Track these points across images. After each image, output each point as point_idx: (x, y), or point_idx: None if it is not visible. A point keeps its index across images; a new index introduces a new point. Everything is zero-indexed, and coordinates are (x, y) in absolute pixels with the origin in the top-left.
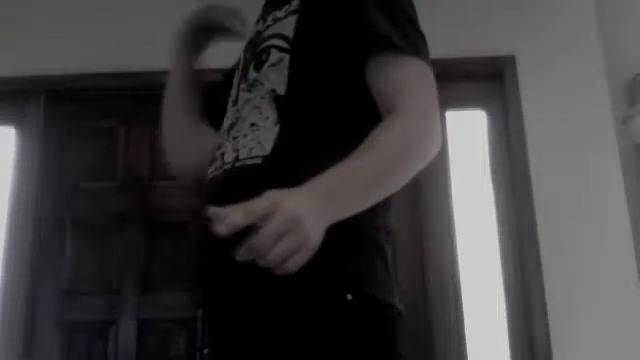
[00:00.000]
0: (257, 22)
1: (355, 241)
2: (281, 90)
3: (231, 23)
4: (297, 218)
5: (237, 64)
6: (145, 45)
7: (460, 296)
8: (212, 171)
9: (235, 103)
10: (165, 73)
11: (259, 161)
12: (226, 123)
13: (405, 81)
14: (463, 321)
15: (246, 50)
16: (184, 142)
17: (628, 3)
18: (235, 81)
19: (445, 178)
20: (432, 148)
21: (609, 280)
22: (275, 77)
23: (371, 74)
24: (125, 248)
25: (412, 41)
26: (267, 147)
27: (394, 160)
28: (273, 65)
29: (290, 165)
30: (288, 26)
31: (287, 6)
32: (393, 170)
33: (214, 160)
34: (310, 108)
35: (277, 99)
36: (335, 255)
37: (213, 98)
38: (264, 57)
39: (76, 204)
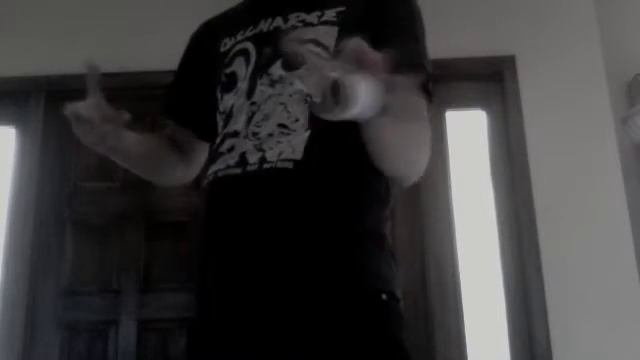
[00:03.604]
0: (268, 13)
1: (382, 244)
2: (317, 97)
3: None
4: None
5: (226, 52)
6: (145, 45)
7: (460, 296)
8: (223, 168)
9: (250, 96)
10: (165, 73)
11: (290, 165)
12: (240, 117)
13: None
14: (463, 321)
15: (261, 43)
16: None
17: (628, 3)
18: (242, 71)
19: (445, 178)
20: (426, 156)
21: (609, 280)
22: (312, 82)
23: None
24: (125, 248)
25: (430, 81)
26: (298, 150)
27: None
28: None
29: (321, 172)
30: (326, 36)
31: (318, 12)
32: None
33: (221, 155)
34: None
35: (312, 105)
36: (370, 258)
37: (180, 98)
38: (300, 60)
39: (76, 204)
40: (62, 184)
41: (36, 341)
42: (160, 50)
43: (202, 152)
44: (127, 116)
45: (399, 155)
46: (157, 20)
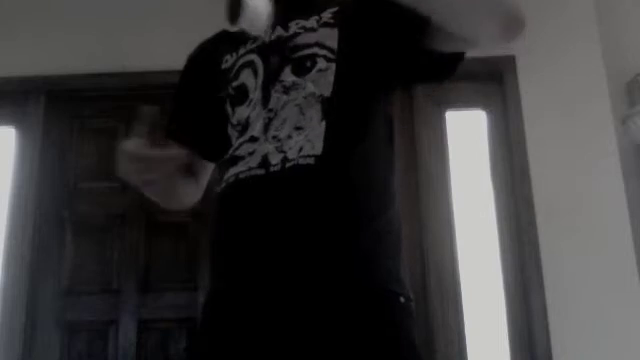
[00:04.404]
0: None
1: (399, 244)
2: (327, 93)
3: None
4: None
5: (229, 68)
6: (145, 45)
7: (460, 296)
8: (245, 170)
9: (265, 105)
10: (165, 73)
11: (312, 161)
12: (256, 125)
13: None
14: (463, 321)
15: (266, 53)
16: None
17: (628, 3)
18: (251, 82)
19: (445, 178)
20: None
21: (609, 280)
22: (322, 82)
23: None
24: (125, 248)
25: None
26: (318, 145)
27: None
28: (322, 71)
29: (343, 167)
30: (329, 38)
31: (316, 17)
32: None
33: (241, 158)
34: (354, 110)
35: (323, 101)
36: (392, 258)
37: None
38: (309, 64)
39: (76, 204)
40: (62, 184)
41: (36, 341)
42: (161, 50)
43: (208, 171)
44: (185, 154)
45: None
46: (157, 20)
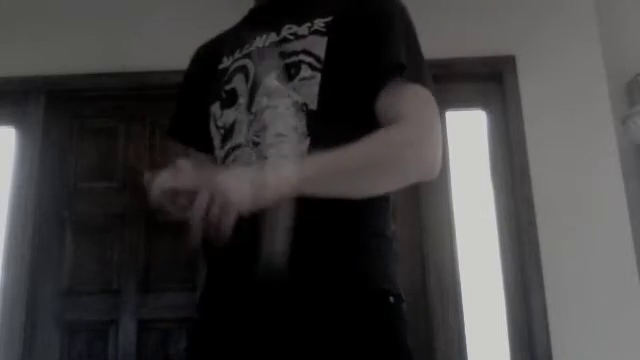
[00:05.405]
0: (263, 30)
1: (390, 247)
2: (313, 105)
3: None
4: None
5: (225, 70)
6: (145, 45)
7: (460, 296)
8: None
9: (249, 108)
10: (165, 73)
11: None
12: (242, 129)
13: (412, 102)
14: (463, 321)
15: (258, 59)
16: None
17: (628, 3)
18: (242, 87)
19: (445, 178)
20: (419, 165)
21: (609, 280)
22: (306, 91)
23: (382, 97)
24: (125, 248)
25: (423, 72)
26: (300, 160)
27: (372, 158)
28: (305, 79)
29: None
30: (317, 46)
31: (308, 24)
32: (366, 168)
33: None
34: (339, 125)
35: (309, 113)
36: (380, 261)
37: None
38: (293, 71)
39: (76, 204)
40: (62, 184)
41: (36, 341)
42: (160, 50)
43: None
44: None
45: (369, 183)
46: (157, 20)
